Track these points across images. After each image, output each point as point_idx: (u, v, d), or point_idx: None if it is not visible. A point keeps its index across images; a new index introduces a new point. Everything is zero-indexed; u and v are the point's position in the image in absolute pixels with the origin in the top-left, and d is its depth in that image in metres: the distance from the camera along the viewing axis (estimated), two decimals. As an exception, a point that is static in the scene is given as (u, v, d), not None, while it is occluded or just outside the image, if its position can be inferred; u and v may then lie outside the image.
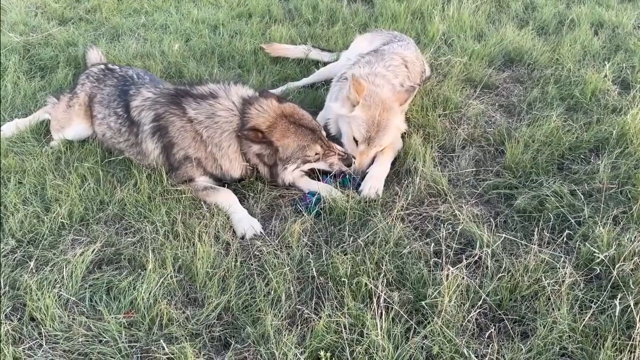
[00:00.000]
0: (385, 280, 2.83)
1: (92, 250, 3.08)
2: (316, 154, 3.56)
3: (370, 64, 4.13)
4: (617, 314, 2.54)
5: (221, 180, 3.69)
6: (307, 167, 3.65)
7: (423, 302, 2.69)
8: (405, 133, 4.11)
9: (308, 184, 3.69)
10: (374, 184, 3.60)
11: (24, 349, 2.57)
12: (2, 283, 2.89)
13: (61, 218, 3.33)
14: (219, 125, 3.52)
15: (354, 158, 3.68)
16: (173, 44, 5.59)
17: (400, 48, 4.53)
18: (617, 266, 2.77)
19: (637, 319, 2.47)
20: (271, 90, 4.31)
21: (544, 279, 2.75)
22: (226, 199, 3.53)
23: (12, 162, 3.78)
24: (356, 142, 3.77)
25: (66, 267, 2.95)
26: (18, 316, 2.75)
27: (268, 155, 3.51)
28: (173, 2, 6.84)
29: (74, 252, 3.06)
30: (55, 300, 2.77)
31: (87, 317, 2.73)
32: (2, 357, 2.50)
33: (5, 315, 2.73)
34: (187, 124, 3.55)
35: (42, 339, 2.63)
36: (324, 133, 3.64)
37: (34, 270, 2.97)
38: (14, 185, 3.57)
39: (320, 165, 3.65)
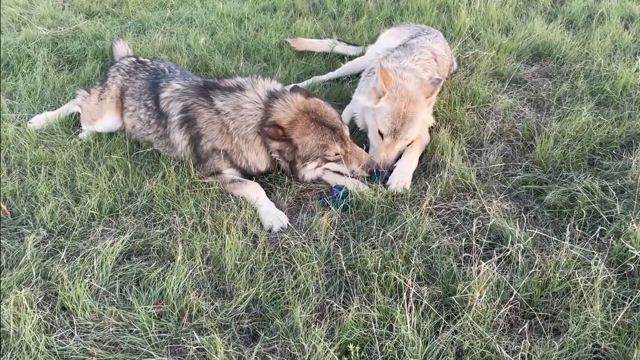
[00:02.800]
0: (414, 274, 2.82)
1: (122, 241, 3.11)
2: (336, 154, 3.53)
3: (399, 59, 4.11)
4: (652, 311, 2.50)
5: (248, 174, 3.69)
6: (329, 166, 3.63)
7: (453, 297, 2.67)
8: (432, 127, 4.07)
9: (335, 178, 3.67)
10: (401, 179, 3.57)
11: (55, 337, 2.60)
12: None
13: (91, 209, 3.36)
14: (244, 119, 3.53)
15: (377, 168, 3.65)
16: (199, 38, 5.61)
17: (429, 41, 4.50)
18: (651, 263, 2.73)
19: (673, 317, 2.43)
20: (299, 84, 4.30)
21: (576, 276, 2.72)
22: (253, 192, 3.54)
23: (42, 154, 3.83)
24: (381, 135, 3.74)
25: (96, 258, 2.98)
26: (50, 305, 2.78)
27: (287, 152, 3.50)
28: (198, -5, 6.86)
29: (103, 243, 3.09)
30: (86, 290, 2.80)
31: (117, 307, 2.76)
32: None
33: (37, 304, 2.77)
34: (214, 116, 3.56)
35: (73, 329, 2.67)
36: (346, 133, 3.59)
37: (64, 261, 3.01)
38: (44, 177, 3.62)
39: (342, 169, 3.62)
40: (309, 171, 3.59)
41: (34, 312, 2.67)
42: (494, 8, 6.00)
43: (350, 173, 3.58)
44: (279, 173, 3.75)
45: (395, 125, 3.67)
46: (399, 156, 3.80)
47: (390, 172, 3.68)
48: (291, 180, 3.70)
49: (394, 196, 3.45)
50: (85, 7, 6.53)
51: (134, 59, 4.32)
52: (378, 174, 3.66)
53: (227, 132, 3.55)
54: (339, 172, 3.68)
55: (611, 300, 2.65)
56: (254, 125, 3.52)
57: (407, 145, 3.82)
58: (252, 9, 6.41)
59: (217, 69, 5.06)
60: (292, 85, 3.74)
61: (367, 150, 3.83)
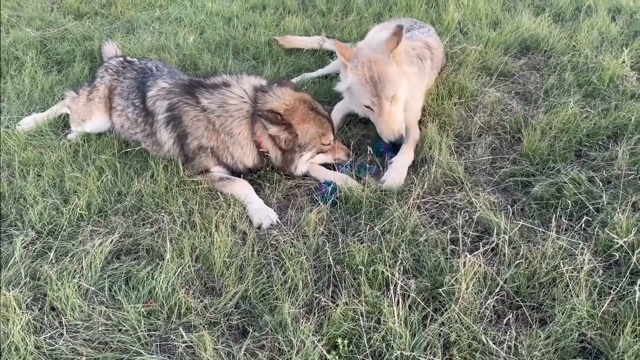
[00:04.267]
0: (401, 268, 2.83)
1: (111, 241, 3.11)
2: (329, 143, 3.59)
3: None
4: (636, 300, 2.52)
5: (235, 171, 3.70)
6: (318, 158, 3.67)
7: (440, 290, 2.69)
8: (420, 121, 4.09)
9: (324, 174, 3.68)
10: (395, 176, 3.57)
11: (45, 338, 2.61)
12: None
13: (80, 209, 3.36)
14: (230, 113, 3.54)
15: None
16: (188, 37, 5.61)
17: (423, 35, 4.50)
18: (636, 252, 2.74)
19: (658, 305, 2.45)
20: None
21: (562, 266, 2.73)
22: (242, 189, 3.54)
23: (31, 155, 3.83)
24: (368, 108, 3.72)
25: (85, 258, 2.99)
26: (39, 306, 2.79)
27: (286, 139, 3.48)
28: (187, -5, 6.86)
29: (92, 243, 3.09)
30: (75, 290, 2.81)
31: (106, 307, 2.76)
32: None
33: (26, 305, 2.77)
34: (200, 113, 3.57)
35: (62, 328, 2.67)
36: (333, 125, 3.69)
37: (53, 261, 3.01)
38: (33, 178, 3.61)
39: (328, 160, 3.69)
40: (303, 163, 3.60)
41: (22, 312, 2.67)
42: (482, 2, 6.02)
43: (335, 160, 3.69)
44: (268, 169, 3.75)
45: (370, 90, 3.63)
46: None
47: (380, 166, 3.69)
48: (280, 177, 3.71)
49: (383, 191, 3.46)
50: (74, 8, 6.51)
51: (121, 59, 4.32)
52: (366, 169, 3.67)
53: (212, 129, 3.56)
54: (326, 166, 3.71)
55: (597, 289, 2.67)
56: (240, 119, 3.53)
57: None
58: (241, 7, 6.41)
59: (206, 67, 5.06)
60: (279, 78, 3.74)
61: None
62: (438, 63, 4.43)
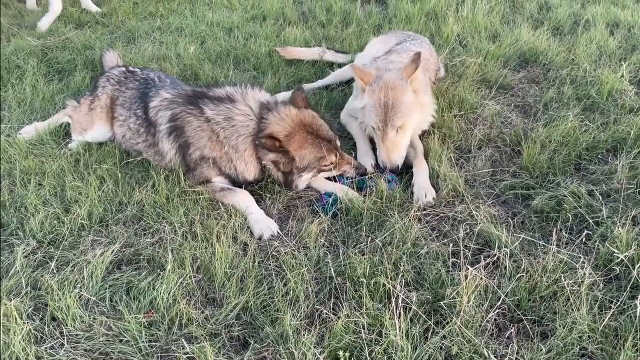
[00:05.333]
0: (403, 280, 2.83)
1: (112, 251, 3.11)
2: (331, 163, 3.58)
3: (385, 61, 4.13)
4: (637, 314, 2.53)
5: (236, 182, 3.70)
6: (320, 175, 3.67)
7: (441, 303, 2.69)
8: (420, 134, 4.11)
9: (324, 185, 3.69)
10: (424, 190, 3.57)
11: (45, 348, 2.60)
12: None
13: (81, 219, 3.36)
14: (236, 129, 3.54)
15: (366, 170, 3.71)
16: (188, 47, 5.63)
17: (414, 46, 4.53)
18: (636, 266, 2.75)
19: (658, 320, 2.46)
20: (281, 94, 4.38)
21: (562, 280, 2.74)
22: (243, 200, 3.55)
23: (32, 164, 3.83)
24: (374, 130, 3.77)
25: (86, 268, 2.98)
26: (40, 316, 2.78)
27: (284, 163, 3.51)
28: (188, 5, 6.89)
29: (93, 253, 3.09)
30: (76, 300, 2.80)
31: (107, 317, 2.76)
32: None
33: (27, 315, 2.76)
34: (204, 124, 3.57)
35: (63, 339, 2.66)
36: (338, 144, 3.66)
37: (54, 271, 3.01)
38: (34, 187, 3.62)
39: (334, 174, 3.68)
40: (303, 182, 3.61)
41: (23, 322, 2.66)
42: (481, 15, 6.06)
43: (340, 174, 3.67)
44: (268, 181, 3.76)
45: (379, 115, 3.68)
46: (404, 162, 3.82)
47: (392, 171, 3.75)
48: (281, 188, 3.72)
49: (385, 204, 3.47)
50: (75, 17, 6.54)
51: (123, 69, 4.33)
52: (367, 184, 3.67)
53: (216, 139, 3.56)
54: (328, 178, 3.72)
55: (597, 303, 2.68)
56: (246, 136, 3.53)
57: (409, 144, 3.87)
58: (242, 18, 6.45)
59: (206, 77, 5.08)
60: (297, 87, 3.74)
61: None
62: (431, 74, 4.45)
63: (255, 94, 3.66)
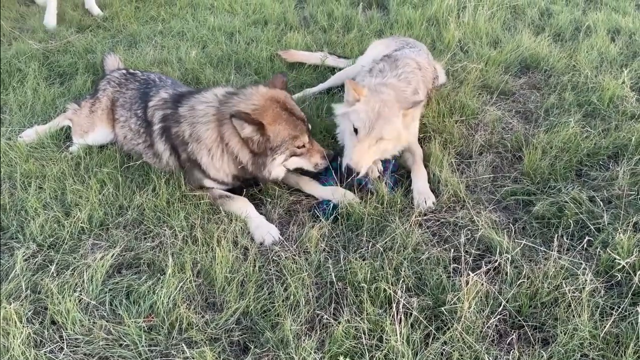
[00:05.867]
0: (404, 286, 2.83)
1: (112, 255, 3.11)
2: (303, 145, 3.45)
3: (383, 73, 4.10)
4: (639, 321, 2.52)
5: (232, 187, 3.69)
6: (292, 162, 3.52)
7: (442, 308, 2.68)
8: (421, 139, 4.11)
9: (321, 192, 3.67)
10: (424, 196, 3.56)
11: (45, 352, 2.60)
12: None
13: (81, 223, 3.36)
14: (196, 119, 3.50)
15: (334, 159, 3.58)
16: (190, 51, 5.63)
17: (413, 54, 4.53)
18: (638, 273, 2.75)
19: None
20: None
21: (564, 286, 2.74)
22: (242, 207, 3.53)
23: (32, 168, 3.83)
24: (356, 131, 3.65)
25: (86, 271, 2.98)
26: (39, 320, 2.77)
27: (258, 141, 3.35)
28: (189, 9, 6.89)
29: (94, 257, 3.08)
30: (76, 304, 2.80)
31: (107, 321, 2.75)
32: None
33: (27, 319, 2.75)
34: (178, 124, 3.58)
35: (63, 343, 2.66)
36: (309, 126, 3.55)
37: (54, 274, 3.00)
38: (34, 190, 3.61)
39: (304, 164, 3.56)
40: (276, 166, 3.47)
41: (23, 326, 2.66)
42: (482, 21, 6.07)
43: (313, 167, 3.57)
44: (269, 184, 3.75)
45: (369, 119, 3.59)
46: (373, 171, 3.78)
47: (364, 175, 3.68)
48: (282, 193, 3.71)
49: (386, 209, 3.46)
50: (77, 20, 6.54)
51: (124, 71, 4.34)
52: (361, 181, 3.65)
53: (185, 138, 3.55)
54: (300, 171, 3.67)
55: (599, 310, 2.68)
56: (205, 122, 3.46)
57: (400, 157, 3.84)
58: (243, 22, 6.45)
59: (208, 82, 5.08)
60: (278, 73, 3.63)
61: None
62: (428, 82, 4.42)
63: (228, 88, 3.59)
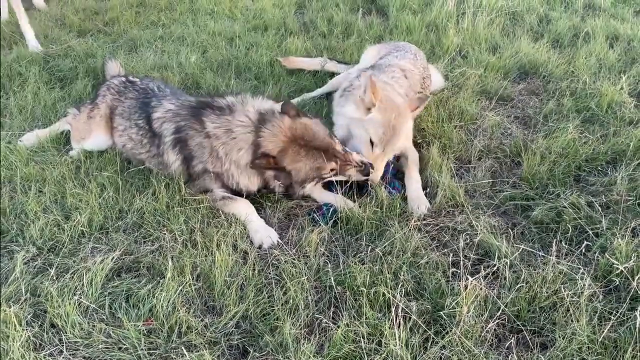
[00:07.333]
0: (403, 290, 2.83)
1: (112, 258, 3.10)
2: (332, 170, 3.54)
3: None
4: (637, 326, 2.52)
5: (238, 192, 3.70)
6: (325, 181, 3.67)
7: (441, 312, 2.69)
8: (420, 144, 4.13)
9: (324, 197, 3.71)
10: (419, 202, 3.58)
11: (44, 355, 2.60)
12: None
13: (81, 226, 3.36)
14: (236, 142, 3.51)
15: (372, 167, 3.61)
16: (190, 56, 5.65)
17: (395, 59, 4.54)
18: (636, 278, 2.75)
19: (658, 331, 2.46)
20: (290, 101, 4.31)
21: (562, 291, 2.74)
22: (243, 209, 3.55)
23: (32, 171, 3.83)
24: (372, 144, 3.74)
25: (86, 275, 2.98)
26: (39, 323, 2.77)
27: (283, 177, 3.51)
28: (190, 14, 6.93)
29: (93, 260, 3.08)
30: (76, 307, 2.80)
31: (106, 324, 2.75)
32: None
33: (27, 322, 2.76)
34: (204, 140, 3.56)
35: (62, 346, 2.66)
36: (338, 148, 3.57)
37: (54, 278, 3.00)
38: (34, 194, 3.62)
39: (339, 178, 3.63)
40: (307, 190, 3.64)
41: (23, 329, 2.66)
42: (481, 27, 6.10)
43: (347, 178, 3.61)
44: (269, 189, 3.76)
45: (386, 135, 3.68)
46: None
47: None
48: (282, 197, 3.72)
49: (385, 214, 3.47)
50: (77, 25, 6.57)
51: (123, 79, 4.34)
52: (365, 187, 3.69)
53: (217, 156, 3.55)
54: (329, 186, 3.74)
55: (597, 314, 2.68)
56: (245, 150, 3.50)
57: (397, 161, 3.87)
58: (243, 27, 6.47)
59: (208, 86, 5.10)
60: (284, 102, 3.70)
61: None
62: (415, 86, 4.42)
63: (255, 103, 3.64)
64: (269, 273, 3.08)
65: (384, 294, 2.78)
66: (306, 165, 3.47)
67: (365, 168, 3.59)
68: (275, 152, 3.42)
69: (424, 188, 3.72)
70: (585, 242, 3.05)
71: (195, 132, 3.59)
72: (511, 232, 3.28)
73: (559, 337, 2.57)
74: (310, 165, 3.48)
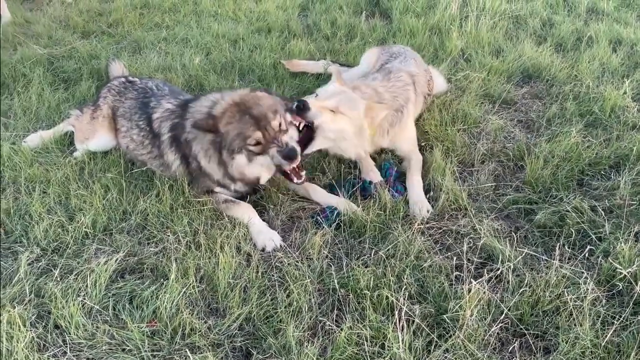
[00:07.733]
0: (406, 293, 2.83)
1: (116, 260, 3.12)
2: (257, 142, 3.36)
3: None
4: (640, 330, 2.53)
5: (239, 194, 3.72)
6: (257, 164, 3.48)
7: (444, 316, 2.70)
8: (423, 147, 4.14)
9: (327, 199, 3.70)
10: (420, 205, 3.59)
11: (48, 356, 2.61)
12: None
13: (85, 227, 3.37)
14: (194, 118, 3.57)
15: (295, 154, 3.40)
16: (194, 58, 5.66)
17: (401, 64, 4.54)
18: (639, 282, 2.76)
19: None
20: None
21: (565, 295, 2.75)
22: (245, 212, 3.55)
23: (36, 172, 3.84)
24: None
25: (90, 276, 2.99)
26: (43, 324, 2.78)
27: (219, 142, 3.43)
28: (194, 16, 6.93)
29: (97, 261, 3.09)
30: (79, 309, 2.81)
31: (110, 326, 2.76)
32: None
33: (31, 322, 2.77)
34: (186, 133, 3.63)
35: (66, 347, 2.67)
36: (274, 123, 3.36)
37: (58, 279, 3.01)
38: (38, 195, 3.62)
39: (267, 161, 3.45)
40: (237, 167, 3.47)
41: (27, 330, 2.67)
42: (484, 31, 6.10)
43: (271, 159, 3.41)
44: (271, 190, 3.77)
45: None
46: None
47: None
48: (285, 199, 3.73)
49: (388, 216, 3.48)
50: (81, 26, 6.58)
51: (123, 79, 4.36)
52: (369, 189, 3.71)
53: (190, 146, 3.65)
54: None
55: (600, 319, 2.69)
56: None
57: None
58: (247, 30, 6.48)
59: (212, 88, 5.10)
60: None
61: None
62: (423, 88, 4.43)
63: (234, 95, 3.55)
64: (272, 275, 3.09)
65: (387, 297, 2.79)
66: (235, 129, 3.37)
67: (286, 149, 3.37)
68: (217, 113, 3.42)
69: (427, 191, 3.73)
70: (589, 247, 3.05)
71: (183, 127, 3.63)
72: (514, 236, 3.29)
73: (562, 341, 2.57)
74: (238, 130, 3.36)
